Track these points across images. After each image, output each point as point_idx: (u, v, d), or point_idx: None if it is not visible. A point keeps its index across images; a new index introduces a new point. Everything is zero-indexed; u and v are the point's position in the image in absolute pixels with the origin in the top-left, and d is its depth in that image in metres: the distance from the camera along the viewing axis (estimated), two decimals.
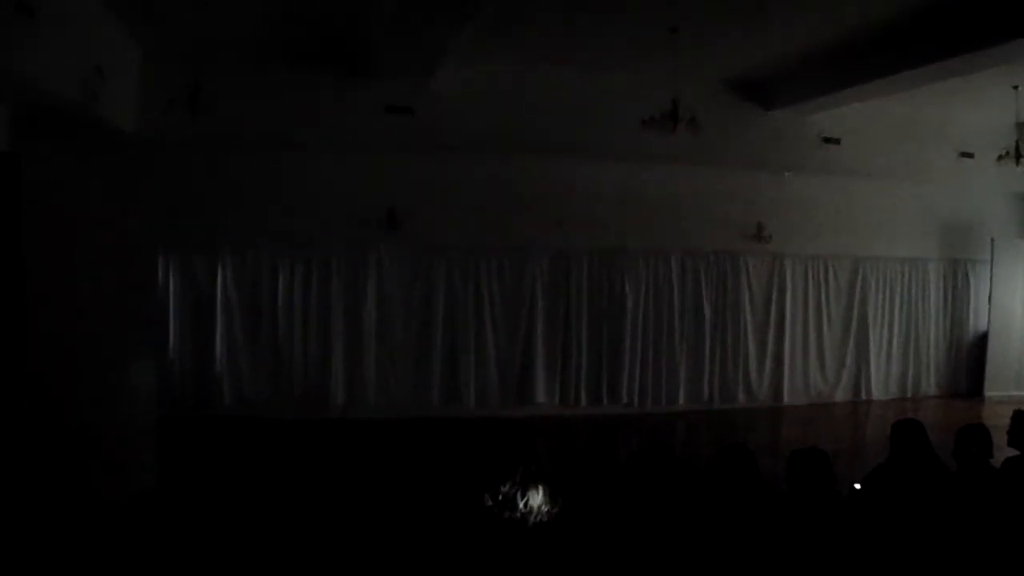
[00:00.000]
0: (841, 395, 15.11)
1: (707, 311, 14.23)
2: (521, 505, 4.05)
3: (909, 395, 15.57)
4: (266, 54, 11.48)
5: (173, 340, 12.23)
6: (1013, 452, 5.79)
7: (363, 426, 12.05)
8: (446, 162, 12.70)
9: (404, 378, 12.89)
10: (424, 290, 12.93)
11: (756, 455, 5.04)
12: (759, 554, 4.44)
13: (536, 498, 4.09)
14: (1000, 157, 12.51)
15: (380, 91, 11.88)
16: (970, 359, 16.09)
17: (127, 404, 8.15)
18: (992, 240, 15.45)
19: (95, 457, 7.76)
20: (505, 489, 4.16)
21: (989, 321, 15.72)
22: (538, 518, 4.01)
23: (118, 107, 10.17)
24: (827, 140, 13.98)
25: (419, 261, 12.92)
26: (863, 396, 15.21)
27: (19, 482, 7.21)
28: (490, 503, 4.21)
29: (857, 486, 5.52)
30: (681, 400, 14.11)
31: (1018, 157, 12.30)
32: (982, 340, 15.91)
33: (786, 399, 14.67)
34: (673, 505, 4.62)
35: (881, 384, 15.38)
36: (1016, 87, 12.17)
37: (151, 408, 8.46)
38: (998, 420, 6.65)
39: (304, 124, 11.95)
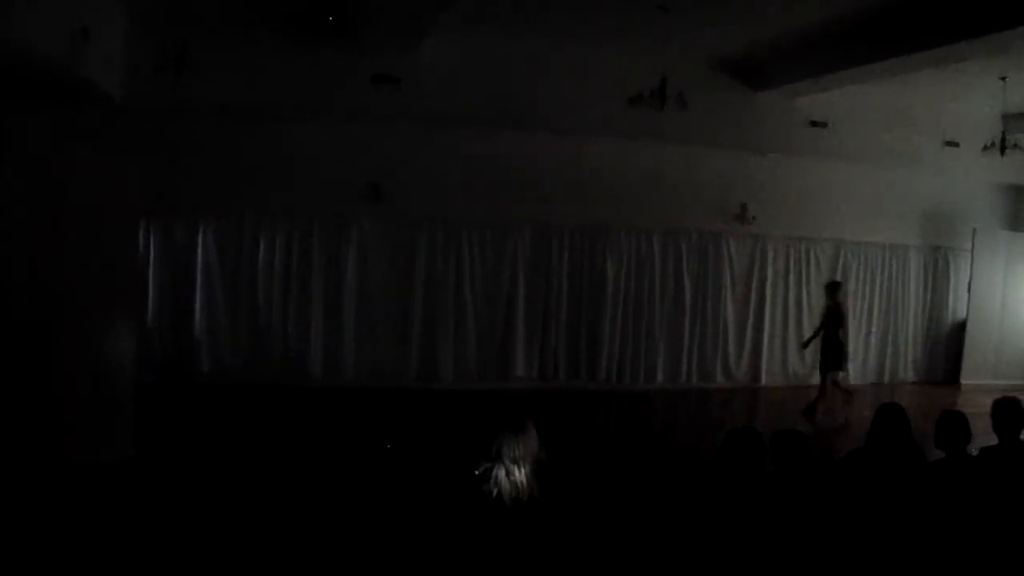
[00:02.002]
0: (818, 377, 15.10)
1: (688, 290, 14.26)
2: (501, 480, 4.03)
3: (886, 380, 15.64)
4: (253, 21, 11.36)
5: (152, 306, 12.16)
6: (988, 441, 5.80)
7: (341, 394, 12.03)
8: (431, 135, 12.63)
9: (383, 348, 12.86)
10: (405, 262, 12.90)
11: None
12: (750, 539, 4.45)
13: (516, 472, 4.08)
14: (985, 147, 12.58)
15: (367, 61, 11.84)
16: (948, 347, 16.20)
17: (105, 370, 8.11)
18: (974, 230, 15.49)
19: (73, 423, 7.74)
20: (485, 464, 4.14)
21: (968, 310, 15.80)
22: (518, 495, 4.00)
23: (103, 70, 10.05)
24: (814, 124, 14.01)
25: (401, 233, 12.90)
26: (840, 381, 15.23)
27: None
28: (471, 476, 4.19)
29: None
30: (659, 378, 14.17)
31: (1003, 148, 12.35)
32: (960, 328, 16.00)
33: (763, 380, 14.76)
34: (658, 487, 4.63)
35: (859, 368, 15.38)
36: (1003, 78, 12.16)
37: (129, 375, 8.41)
38: (974, 408, 6.69)
39: (290, 93, 11.90)
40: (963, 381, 15.49)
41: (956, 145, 14.77)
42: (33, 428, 7.47)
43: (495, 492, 3.99)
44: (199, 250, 12.36)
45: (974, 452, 5.58)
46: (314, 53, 11.81)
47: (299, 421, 10.64)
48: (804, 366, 14.96)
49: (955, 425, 5.52)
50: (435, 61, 11.98)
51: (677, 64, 11.22)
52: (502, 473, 4.01)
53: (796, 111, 13.88)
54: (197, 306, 12.39)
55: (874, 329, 15.62)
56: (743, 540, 4.44)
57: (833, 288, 12.66)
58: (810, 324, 14.91)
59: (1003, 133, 12.57)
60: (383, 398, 11.92)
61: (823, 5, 10.16)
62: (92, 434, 7.86)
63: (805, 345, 13.26)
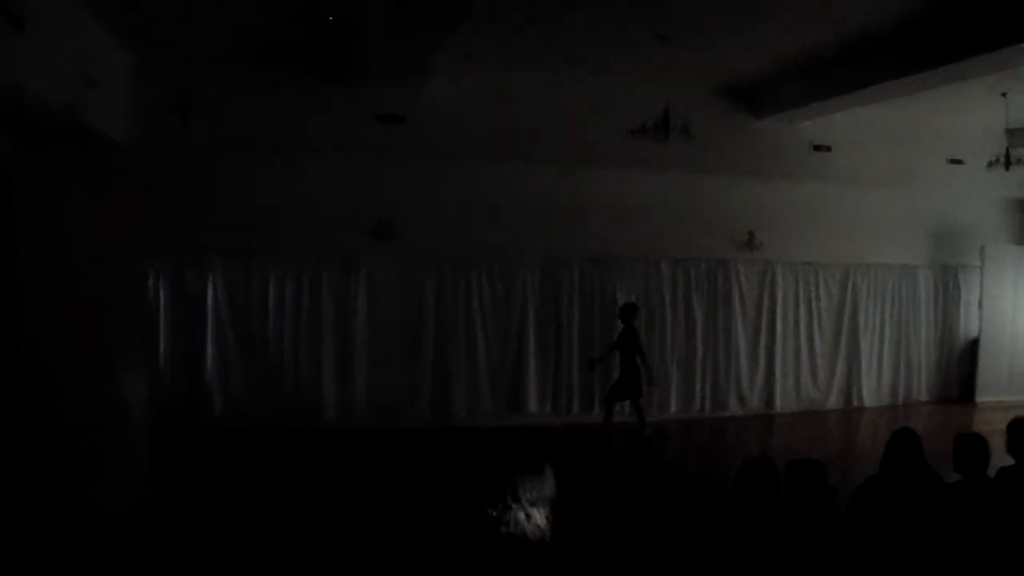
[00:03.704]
0: (833, 402, 15.13)
1: (698, 318, 14.25)
2: (521, 520, 4.00)
3: (900, 401, 15.59)
4: (257, 62, 11.46)
5: (163, 349, 12.15)
6: (1007, 460, 5.76)
7: (354, 435, 11.98)
8: (437, 170, 12.66)
9: (395, 387, 12.82)
10: (415, 299, 12.88)
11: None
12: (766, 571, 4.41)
13: (536, 515, 4.05)
14: (990, 164, 12.58)
15: (370, 98, 11.90)
16: (961, 365, 16.14)
17: (118, 416, 8.10)
18: (982, 246, 15.47)
19: (87, 470, 7.72)
20: (503, 504, 4.11)
21: (980, 327, 15.77)
22: (538, 538, 3.97)
23: (108, 115, 10.09)
24: (818, 148, 14.06)
25: (409, 269, 12.88)
26: (855, 403, 15.24)
27: (10, 496, 7.18)
28: (488, 517, 4.16)
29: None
30: (673, 408, 14.12)
31: (1007, 163, 12.34)
32: (973, 346, 15.95)
33: (778, 407, 14.68)
34: (675, 523, 4.61)
35: (873, 391, 15.39)
36: (1005, 94, 12.21)
37: (142, 420, 8.41)
38: (990, 426, 6.65)
39: (295, 132, 11.95)
40: (978, 399, 15.42)
41: (961, 162, 14.82)
42: (46, 475, 7.46)
43: (513, 534, 3.97)
44: (208, 291, 12.34)
45: (991, 473, 5.54)
46: (319, 91, 11.91)
47: (313, 463, 10.59)
48: (818, 391, 14.95)
49: (973, 448, 5.48)
50: (439, 96, 12.03)
51: (679, 93, 11.25)
52: (521, 516, 3.98)
53: (799, 136, 13.93)
54: (208, 348, 12.36)
55: (886, 350, 15.54)
56: (759, 572, 4.41)
57: (628, 311, 12.36)
58: (822, 349, 14.95)
59: (1007, 149, 12.56)
60: (396, 438, 11.88)
61: (821, 30, 10.18)
62: (107, 481, 7.84)
63: (591, 365, 12.78)
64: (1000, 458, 5.70)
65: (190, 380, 12.29)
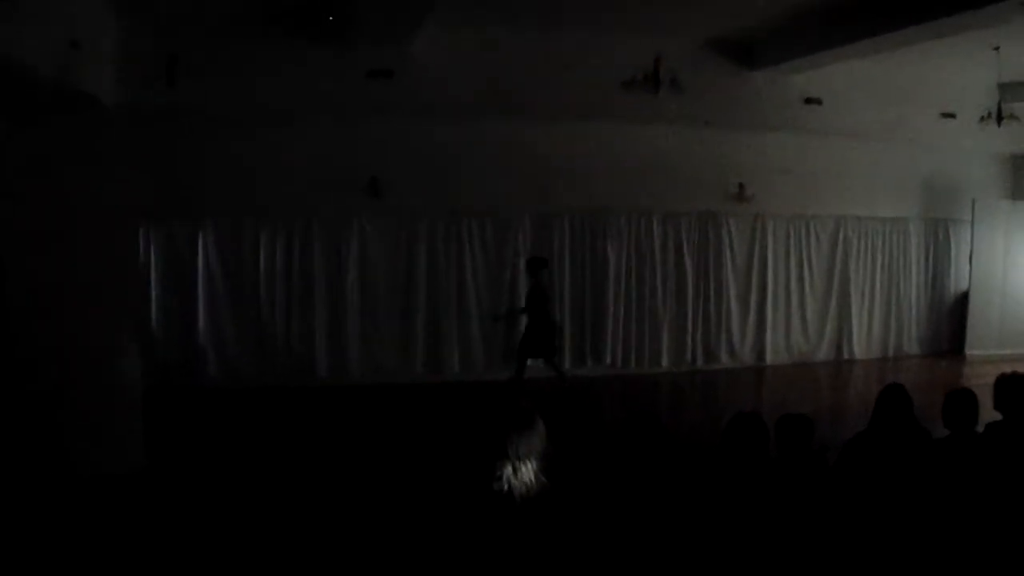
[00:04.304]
0: (823, 354, 15.20)
1: (689, 271, 14.26)
2: (508, 476, 4.04)
3: (891, 354, 15.68)
4: (244, 22, 11.33)
5: (156, 312, 12.20)
6: (996, 414, 5.82)
7: (347, 393, 12.05)
8: (427, 127, 12.58)
9: (388, 344, 12.89)
10: (407, 256, 12.90)
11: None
12: (755, 526, 4.47)
13: (525, 472, 4.08)
14: (982, 118, 12.55)
15: (360, 57, 11.78)
16: (951, 318, 16.21)
17: (113, 380, 8.11)
18: (973, 200, 15.48)
19: (82, 435, 7.74)
20: (493, 460, 4.14)
21: (970, 281, 15.81)
22: (527, 492, 4.01)
23: (96, 79, 10.05)
24: (809, 100, 13.95)
25: (401, 227, 12.90)
26: (845, 355, 15.31)
27: (5, 459, 7.22)
28: (478, 474, 4.19)
29: None
30: (664, 361, 14.19)
31: (999, 118, 12.33)
32: (963, 299, 16.02)
33: (769, 359, 14.76)
34: (666, 478, 4.64)
35: (863, 343, 15.47)
36: (997, 48, 12.12)
37: (137, 383, 8.42)
38: (979, 379, 6.70)
39: (284, 92, 11.84)
40: (967, 352, 15.53)
41: (953, 117, 14.74)
42: (42, 441, 7.49)
43: (504, 490, 4.00)
44: (200, 253, 12.37)
45: (980, 429, 5.60)
46: (306, 51, 11.77)
47: (307, 422, 10.67)
48: (808, 343, 15.04)
49: (963, 404, 5.52)
50: (427, 53, 11.92)
51: (669, 45, 11.20)
52: (509, 471, 4.01)
53: (790, 88, 13.82)
54: (201, 310, 12.42)
55: (877, 303, 15.61)
56: (748, 528, 4.46)
57: (536, 265, 12.05)
58: (813, 301, 15.00)
59: (999, 103, 12.53)
60: (390, 394, 11.95)
61: None
62: (103, 445, 7.86)
63: (495, 320, 12.66)
64: (989, 412, 5.75)
65: (183, 342, 12.36)
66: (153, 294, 12.15)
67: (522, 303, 12.37)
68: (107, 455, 7.80)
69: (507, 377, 11.91)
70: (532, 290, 11.94)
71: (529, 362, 11.87)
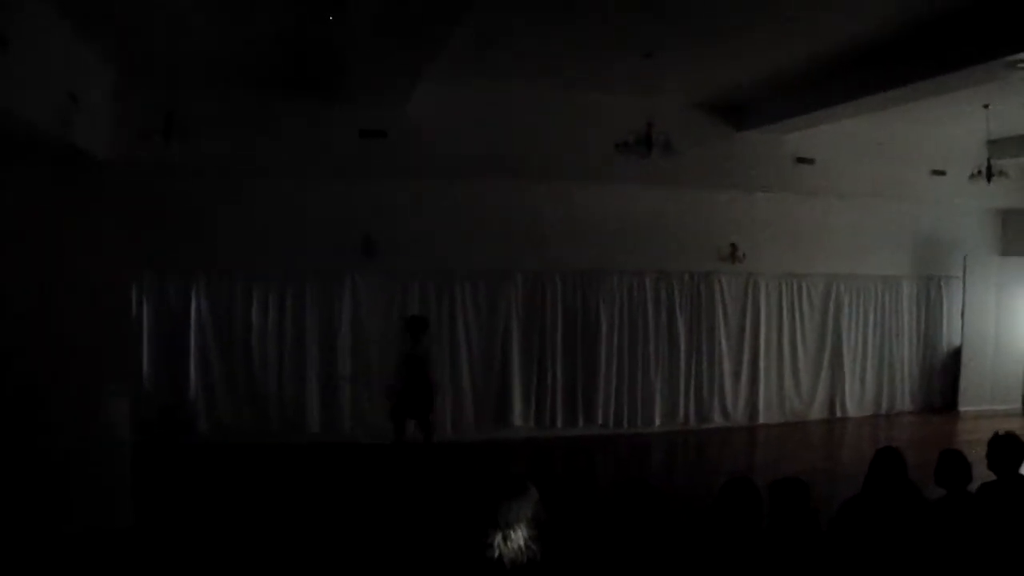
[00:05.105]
0: (816, 413, 15.16)
1: (682, 331, 14.26)
2: (500, 545, 4.01)
3: (884, 411, 15.64)
4: (240, 80, 11.42)
5: (147, 367, 12.12)
6: (989, 475, 5.80)
7: (338, 450, 11.96)
8: (421, 187, 12.65)
9: (379, 403, 12.78)
10: (399, 315, 12.79)
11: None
12: None
13: (516, 539, 4.05)
14: (972, 175, 12.62)
15: (354, 116, 11.85)
16: (944, 374, 16.20)
17: (101, 434, 8.07)
18: (965, 257, 15.57)
19: (71, 491, 7.70)
20: (485, 529, 4.11)
21: (963, 336, 15.86)
22: (518, 559, 3.97)
23: (91, 134, 10.08)
24: (801, 160, 14.07)
25: (394, 286, 12.89)
26: (838, 413, 15.28)
27: None
28: (471, 540, 4.16)
29: None
30: (657, 421, 14.11)
31: (989, 175, 12.41)
32: (956, 355, 16.04)
33: (761, 418, 14.71)
34: (658, 545, 4.61)
35: (856, 401, 15.45)
36: (987, 106, 12.24)
37: (126, 438, 8.37)
38: (972, 435, 6.70)
39: (278, 150, 11.88)
40: (961, 408, 15.55)
41: (943, 174, 14.85)
42: (30, 496, 7.44)
43: (495, 557, 3.97)
44: (192, 309, 12.33)
45: (973, 488, 5.59)
46: (301, 109, 11.86)
47: (296, 480, 10.57)
48: (801, 402, 15.00)
49: (955, 464, 5.53)
50: (421, 112, 11.96)
51: (661, 106, 11.27)
52: (499, 538, 3.98)
53: (782, 148, 13.94)
54: (192, 366, 12.35)
55: (870, 361, 15.61)
56: None
57: (417, 325, 11.39)
58: (805, 359, 15.00)
59: (988, 160, 12.63)
60: (380, 454, 11.86)
61: (803, 45, 10.22)
62: (91, 501, 7.83)
63: (389, 397, 11.34)
64: (982, 471, 5.74)
65: (174, 397, 12.25)
66: (144, 348, 12.07)
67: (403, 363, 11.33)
68: (96, 510, 7.77)
69: (390, 442, 11.28)
70: (412, 351, 11.16)
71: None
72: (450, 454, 11.73)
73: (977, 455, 5.69)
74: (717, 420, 14.48)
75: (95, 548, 7.25)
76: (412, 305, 12.87)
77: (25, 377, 7.60)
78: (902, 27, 9.47)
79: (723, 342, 14.52)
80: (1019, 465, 5.75)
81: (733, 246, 14.26)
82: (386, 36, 8.81)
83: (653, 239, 13.79)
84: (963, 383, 15.73)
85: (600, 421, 13.75)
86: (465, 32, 8.79)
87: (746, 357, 14.69)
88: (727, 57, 10.80)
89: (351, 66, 10.23)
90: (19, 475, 7.45)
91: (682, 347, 14.27)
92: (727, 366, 14.56)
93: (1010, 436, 5.83)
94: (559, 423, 13.56)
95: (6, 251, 7.59)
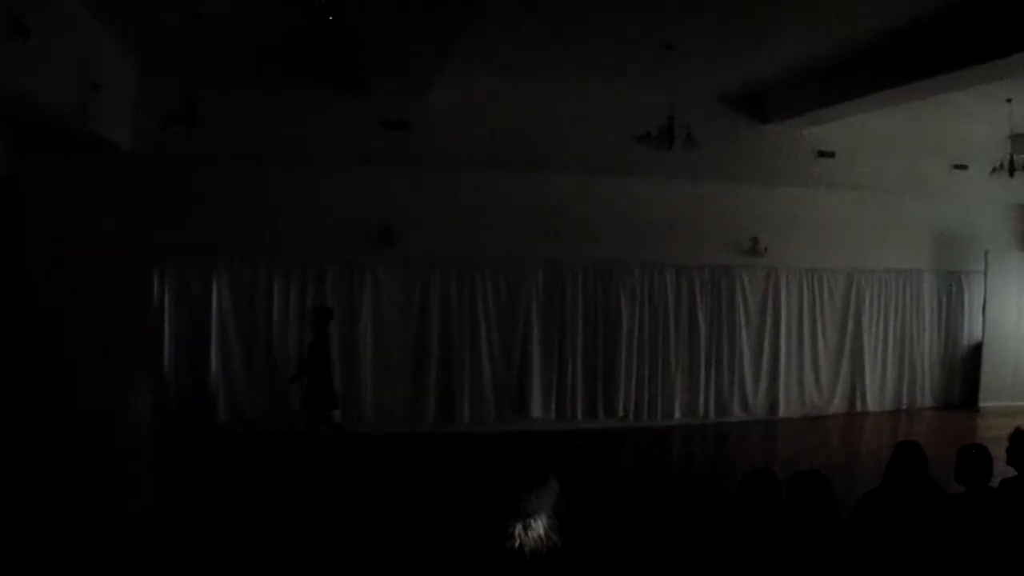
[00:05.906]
0: (836, 407, 15.12)
1: (702, 324, 14.25)
2: (521, 535, 4.02)
3: (904, 407, 15.59)
4: (262, 68, 11.50)
5: (168, 355, 12.19)
6: (1009, 470, 5.77)
7: (359, 441, 11.98)
8: (442, 176, 12.68)
9: (400, 393, 12.85)
10: (419, 305, 12.90)
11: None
12: None
13: (537, 526, 4.06)
14: (994, 169, 12.54)
15: (376, 105, 11.93)
16: (965, 370, 16.12)
17: (123, 422, 8.13)
18: (986, 251, 15.49)
19: (93, 476, 7.74)
20: (506, 519, 4.13)
21: (983, 332, 15.77)
22: (538, 549, 3.99)
23: (114, 122, 10.15)
24: (822, 154, 14.04)
25: (414, 276, 12.91)
26: (858, 408, 15.22)
27: (15, 500, 7.21)
28: (491, 531, 4.18)
29: None
30: (677, 413, 14.11)
31: (1012, 169, 12.34)
32: (976, 351, 15.95)
33: (781, 412, 14.67)
34: (679, 536, 4.62)
35: (876, 396, 15.40)
36: (1009, 100, 12.18)
37: (147, 425, 8.43)
38: (993, 432, 6.66)
39: (300, 139, 11.98)
40: (982, 404, 15.44)
41: (964, 168, 14.80)
42: (50, 481, 7.49)
43: (516, 547, 3.99)
44: (213, 297, 12.38)
45: (995, 484, 5.55)
46: (324, 98, 11.96)
47: (316, 470, 10.58)
48: (821, 396, 14.95)
49: (976, 460, 5.48)
50: (443, 103, 12.03)
51: (683, 99, 11.24)
52: (520, 528, 4.00)
53: (803, 142, 13.92)
54: (213, 354, 12.40)
55: (890, 355, 15.55)
56: None
57: (322, 316, 11.26)
58: (826, 354, 14.94)
59: (1011, 154, 12.54)
60: (401, 444, 11.88)
61: (826, 38, 10.20)
62: (111, 487, 7.87)
63: (292, 380, 11.27)
64: (1003, 466, 5.71)
65: (194, 385, 12.33)
66: (166, 336, 12.14)
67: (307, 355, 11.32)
68: (116, 496, 7.80)
69: (305, 435, 11.05)
70: (315, 342, 11.08)
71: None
72: (470, 445, 11.76)
73: (998, 451, 5.65)
74: (737, 413, 14.47)
75: (114, 533, 7.29)
76: (433, 294, 12.93)
77: (47, 366, 7.65)
78: (924, 20, 9.43)
79: (743, 336, 14.49)
80: None
81: (754, 239, 14.23)
82: (406, 25, 8.83)
83: (674, 232, 13.79)
84: (984, 379, 15.63)
85: (620, 413, 13.75)
86: (483, 25, 8.80)
87: (766, 351, 14.66)
88: (749, 49, 10.80)
89: (372, 55, 10.25)
90: (38, 461, 7.50)
91: (702, 340, 14.26)
92: (747, 359, 14.55)
93: None
94: (579, 415, 13.57)
95: (31, 240, 7.64)
